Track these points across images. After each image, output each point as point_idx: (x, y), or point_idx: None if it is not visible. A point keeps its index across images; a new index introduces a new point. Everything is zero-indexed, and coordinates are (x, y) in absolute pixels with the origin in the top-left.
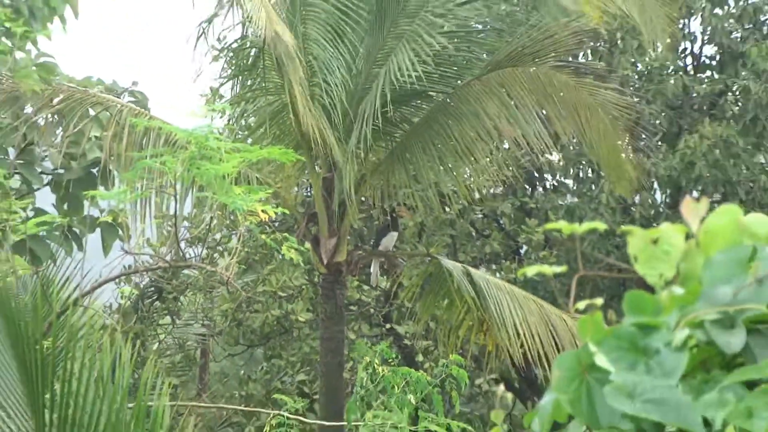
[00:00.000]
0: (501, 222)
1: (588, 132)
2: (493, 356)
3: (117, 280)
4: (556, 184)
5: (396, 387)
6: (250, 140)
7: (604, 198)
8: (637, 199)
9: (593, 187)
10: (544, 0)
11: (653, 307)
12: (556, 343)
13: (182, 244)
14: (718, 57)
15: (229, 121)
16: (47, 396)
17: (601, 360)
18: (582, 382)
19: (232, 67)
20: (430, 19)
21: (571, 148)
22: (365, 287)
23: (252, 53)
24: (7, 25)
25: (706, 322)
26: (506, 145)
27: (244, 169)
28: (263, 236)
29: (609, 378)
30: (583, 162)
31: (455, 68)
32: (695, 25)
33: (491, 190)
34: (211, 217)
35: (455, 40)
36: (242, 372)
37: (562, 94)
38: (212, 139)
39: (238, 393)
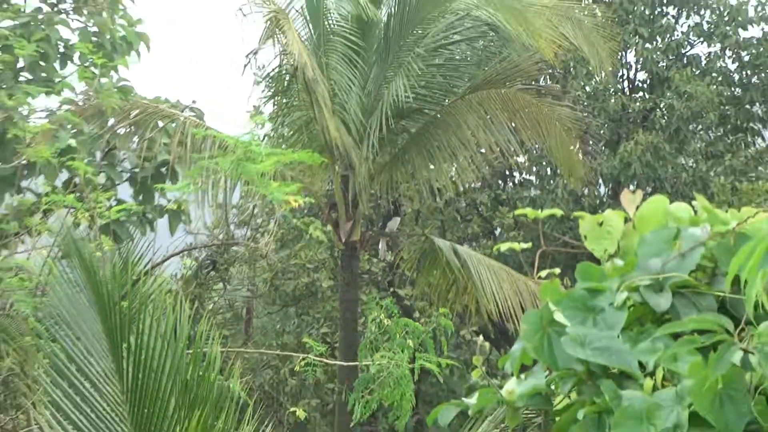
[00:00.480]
0: (480, 209)
1: (547, 139)
2: (474, 313)
3: (181, 255)
4: (522, 180)
5: (398, 334)
6: (284, 146)
7: (560, 191)
8: (585, 191)
9: (551, 182)
10: (511, 38)
11: (599, 275)
12: (522, 303)
13: (231, 227)
14: (648, 81)
15: (269, 133)
16: (125, 345)
17: (559, 316)
18: (544, 334)
19: (271, 90)
20: (423, 53)
21: (534, 152)
22: (374, 260)
23: (286, 79)
24: (92, 57)
25: (640, 287)
26: (483, 150)
27: (280, 168)
28: (295, 220)
29: (565, 330)
30: (544, 162)
31: (443, 91)
32: (630, 56)
33: (472, 185)
34: (254, 206)
35: (443, 69)
36: (278, 326)
37: (526, 110)
38: (254, 145)
39: (275, 342)
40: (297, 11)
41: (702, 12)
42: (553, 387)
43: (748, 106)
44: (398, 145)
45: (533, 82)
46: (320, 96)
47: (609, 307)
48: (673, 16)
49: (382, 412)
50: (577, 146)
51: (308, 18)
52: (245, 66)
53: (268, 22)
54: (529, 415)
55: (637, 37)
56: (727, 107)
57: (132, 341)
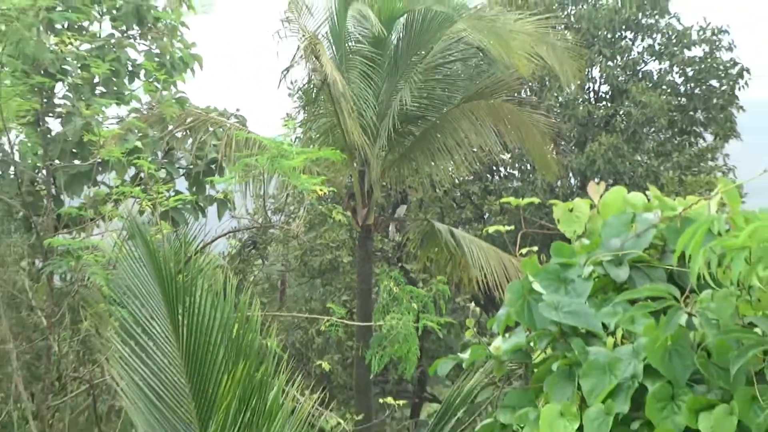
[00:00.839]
0: (472, 198)
1: (526, 141)
2: (467, 284)
3: (227, 236)
4: (507, 173)
5: (404, 300)
6: (312, 147)
7: (538, 183)
8: (559, 183)
9: (531, 175)
10: (496, 58)
11: (570, 253)
12: (507, 276)
13: (268, 213)
14: (610, 92)
15: (300, 136)
16: (180, 310)
17: (537, 286)
18: (524, 301)
19: (302, 101)
20: (424, 70)
21: (516, 150)
22: (385, 240)
23: (314, 92)
24: (155, 74)
25: (603, 262)
26: (474, 149)
27: (308, 165)
28: (320, 207)
29: (542, 298)
30: (524, 159)
31: (441, 101)
32: (595, 71)
33: (465, 178)
34: (287, 195)
35: (441, 83)
36: (307, 294)
37: (509, 117)
38: (286, 145)
39: (304, 307)
40: (323, 36)
41: (654, 35)
42: (531, 344)
43: (691, 113)
44: (405, 145)
45: (515, 94)
46: (345, 106)
47: (578, 279)
48: (630, 39)
49: (392, 365)
50: (551, 147)
51: (332, 41)
52: (280, 81)
53: (304, 47)
54: (513, 367)
55: (600, 56)
56: (674, 113)
57: (186, 307)
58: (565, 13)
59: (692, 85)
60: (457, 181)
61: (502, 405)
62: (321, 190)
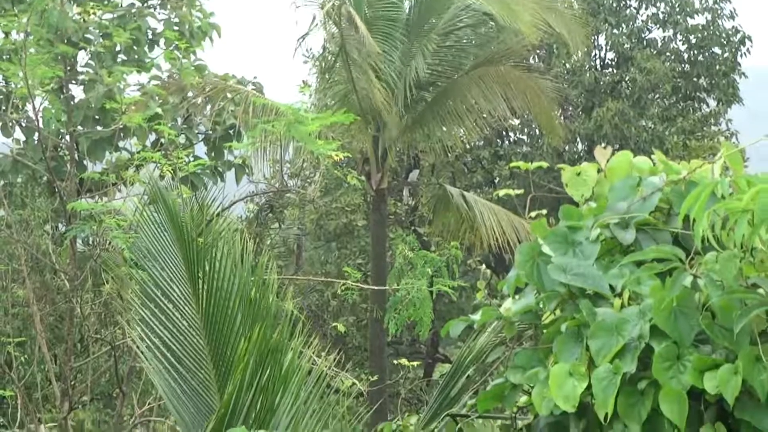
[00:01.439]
0: (482, 163)
1: (534, 107)
2: (478, 247)
3: (245, 201)
4: (516, 138)
5: (419, 264)
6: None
7: (545, 147)
8: (566, 148)
9: (539, 141)
10: (505, 25)
11: (578, 216)
12: (518, 238)
13: (285, 177)
14: (615, 59)
15: (315, 103)
16: (200, 273)
17: (546, 249)
18: (534, 263)
19: (318, 68)
20: (436, 38)
21: (525, 116)
22: (399, 204)
23: (330, 58)
24: (175, 43)
25: (610, 225)
26: (484, 115)
27: (324, 130)
28: (336, 171)
29: (550, 260)
30: (533, 125)
31: (452, 67)
32: (601, 39)
33: (476, 143)
34: (303, 160)
35: (452, 50)
36: (322, 258)
37: (517, 83)
38: (302, 111)
39: (320, 270)
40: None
41: (658, 4)
42: (541, 305)
43: (695, 79)
44: (417, 111)
45: (523, 61)
46: (368, 67)
47: (585, 241)
48: (635, 8)
49: (405, 327)
50: (559, 112)
51: (352, 5)
52: (296, 48)
53: (326, 11)
54: (523, 328)
55: (606, 24)
56: (678, 80)
57: (206, 270)
58: None
59: (695, 52)
60: (467, 146)
61: (512, 365)
62: (336, 155)
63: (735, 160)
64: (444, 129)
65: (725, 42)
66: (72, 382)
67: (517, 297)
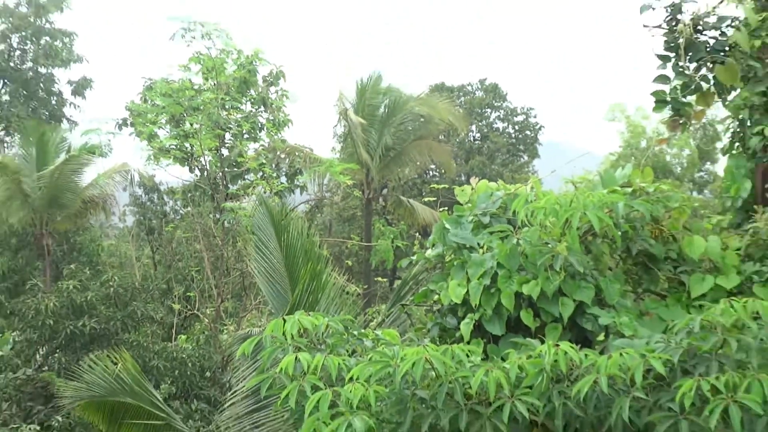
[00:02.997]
0: (417, 185)
1: (441, 159)
2: (416, 225)
3: (304, 203)
4: (433, 174)
5: (386, 233)
6: (344, 160)
7: (446, 178)
8: (456, 179)
9: (444, 174)
10: (429, 119)
11: (462, 210)
12: (434, 221)
13: (324, 191)
14: (480, 136)
15: (340, 155)
16: (283, 237)
17: (447, 225)
18: (441, 232)
19: (340, 139)
20: (396, 125)
21: (437, 163)
22: (378, 204)
23: (345, 135)
24: (272, 129)
25: (477, 214)
26: (418, 162)
27: (343, 171)
28: (348, 190)
29: (449, 230)
30: (441, 168)
31: (403, 139)
32: (474, 127)
33: (415, 175)
34: (332, 184)
35: (403, 131)
36: (342, 232)
37: (434, 147)
38: (334, 161)
39: (340, 236)
40: (351, 106)
41: (500, 110)
42: (444, 252)
43: (518, 146)
44: (386, 161)
45: (438, 136)
46: (362, 142)
47: (466, 222)
48: (488, 111)
49: (380, 262)
50: (453, 162)
51: (356, 109)
52: (334, 130)
53: (341, 111)
54: (436, 263)
55: (475, 118)
56: (510, 146)
57: (285, 236)
58: (461, 98)
59: (518, 133)
60: (411, 177)
61: (431, 281)
62: (348, 181)
63: (536, 183)
64: (399, 169)
65: (531, 127)
66: (222, 289)
67: (433, 248)
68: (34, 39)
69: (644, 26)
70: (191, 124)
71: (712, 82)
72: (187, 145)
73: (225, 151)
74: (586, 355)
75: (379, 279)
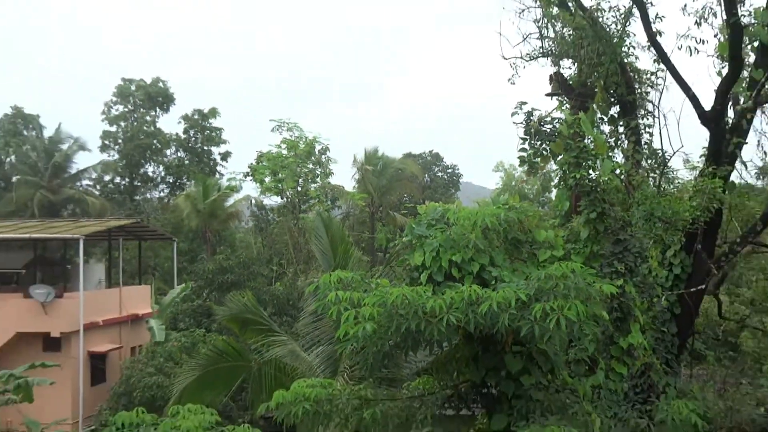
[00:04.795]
0: (404, 209)
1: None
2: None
3: (340, 214)
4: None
5: (383, 230)
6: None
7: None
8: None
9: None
10: (408, 173)
11: (420, 218)
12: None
13: (349, 207)
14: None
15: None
16: (330, 229)
17: (414, 226)
18: (411, 228)
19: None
20: (388, 177)
21: (419, 199)
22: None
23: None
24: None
25: (426, 220)
26: (398, 193)
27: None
28: (362, 207)
29: (414, 228)
30: (418, 203)
31: (390, 181)
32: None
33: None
34: (353, 204)
35: (392, 175)
36: (360, 229)
37: (407, 186)
38: (356, 194)
39: (358, 232)
40: (364, 171)
41: (438, 170)
42: (412, 239)
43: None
44: (382, 192)
45: (414, 182)
46: (369, 181)
47: (422, 224)
48: (437, 170)
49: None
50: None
51: (363, 172)
52: (353, 176)
53: (359, 166)
54: (407, 243)
55: (429, 175)
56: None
57: (329, 229)
58: (419, 160)
59: (449, 177)
60: (395, 201)
61: (405, 254)
62: (362, 203)
63: (459, 204)
64: (388, 197)
65: (455, 174)
66: (298, 259)
67: (405, 237)
68: (200, 132)
69: (513, 123)
70: (282, 175)
71: (549, 151)
72: (280, 185)
73: (299, 188)
74: (485, 291)
75: (379, 253)
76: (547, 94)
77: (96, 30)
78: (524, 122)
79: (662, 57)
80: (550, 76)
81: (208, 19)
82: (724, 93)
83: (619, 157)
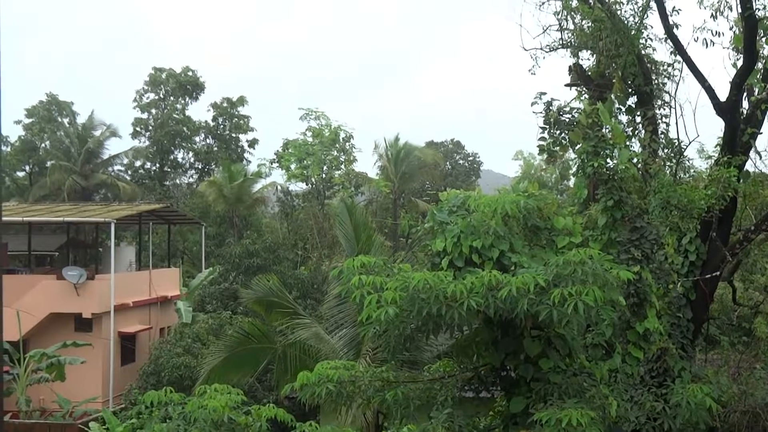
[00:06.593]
0: (428, 194)
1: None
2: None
3: (364, 200)
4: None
5: (407, 217)
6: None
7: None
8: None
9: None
10: (426, 161)
11: (442, 204)
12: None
13: (373, 193)
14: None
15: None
16: (353, 214)
17: (436, 212)
18: (433, 214)
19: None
20: (405, 164)
21: (440, 186)
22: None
23: (383, 162)
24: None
25: (449, 206)
26: (420, 180)
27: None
28: (386, 193)
29: (436, 214)
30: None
31: (412, 168)
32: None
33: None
34: (378, 190)
35: (413, 164)
36: (383, 215)
37: (429, 173)
38: (380, 181)
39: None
40: (387, 158)
41: (450, 164)
42: (433, 225)
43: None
44: (405, 179)
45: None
46: (391, 169)
47: (444, 210)
48: (449, 166)
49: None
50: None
51: (386, 160)
52: (375, 163)
53: (383, 165)
54: (429, 231)
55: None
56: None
57: (353, 215)
58: (441, 148)
59: (470, 164)
60: (417, 187)
61: (427, 239)
62: (386, 189)
63: (479, 191)
64: (411, 184)
65: (476, 162)
66: (322, 244)
67: (427, 223)
68: (228, 120)
69: (533, 112)
70: (308, 162)
71: (567, 140)
72: (305, 171)
73: (323, 175)
74: (504, 276)
75: (401, 239)
76: (567, 85)
77: (136, 17)
78: (544, 112)
79: (679, 49)
80: (570, 67)
81: (237, 7)
82: (738, 84)
83: (636, 147)
